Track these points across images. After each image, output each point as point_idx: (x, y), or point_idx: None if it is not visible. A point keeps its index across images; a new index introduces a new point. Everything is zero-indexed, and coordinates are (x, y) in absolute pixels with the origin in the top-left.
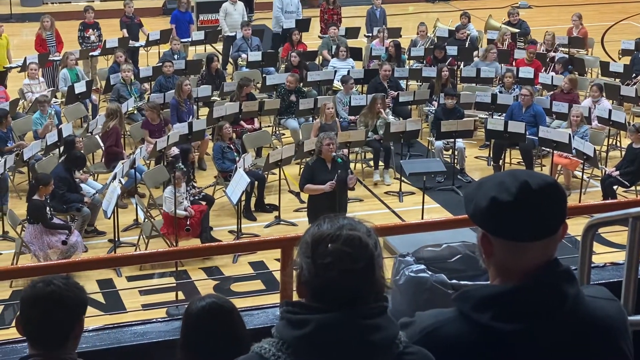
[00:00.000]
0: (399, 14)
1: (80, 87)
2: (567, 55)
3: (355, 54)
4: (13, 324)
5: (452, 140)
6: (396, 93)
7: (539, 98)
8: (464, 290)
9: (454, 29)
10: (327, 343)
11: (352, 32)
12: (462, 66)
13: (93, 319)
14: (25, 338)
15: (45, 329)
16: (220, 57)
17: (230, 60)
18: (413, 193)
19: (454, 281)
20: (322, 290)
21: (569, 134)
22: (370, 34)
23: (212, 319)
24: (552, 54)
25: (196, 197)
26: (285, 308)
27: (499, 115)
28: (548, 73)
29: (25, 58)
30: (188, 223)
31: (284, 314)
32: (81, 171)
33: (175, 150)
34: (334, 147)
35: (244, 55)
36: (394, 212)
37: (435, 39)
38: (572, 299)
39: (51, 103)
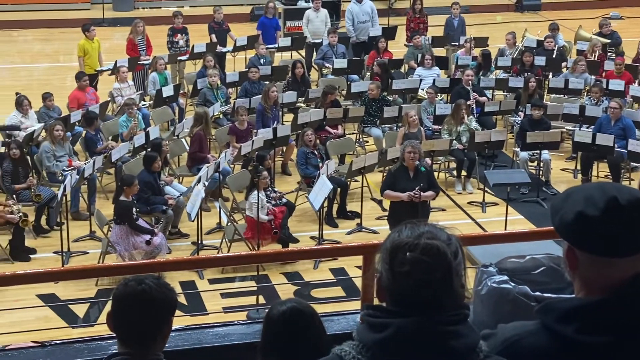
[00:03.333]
0: (486, 23)
1: (168, 91)
2: None
3: (441, 62)
4: (99, 321)
5: (538, 151)
6: (481, 98)
7: (629, 111)
8: (548, 302)
9: (542, 39)
10: (406, 347)
11: (439, 41)
12: (550, 77)
13: (175, 320)
14: (114, 335)
15: (135, 327)
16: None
17: (314, 66)
18: (496, 204)
19: (537, 293)
20: (401, 296)
21: None
22: (457, 44)
23: (293, 324)
24: None
25: (277, 202)
26: (366, 312)
27: (587, 128)
28: (639, 85)
29: (116, 62)
30: (273, 226)
31: (364, 317)
32: (166, 174)
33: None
34: (416, 155)
35: (327, 64)
36: (476, 222)
37: (523, 48)
38: None
39: (139, 106)
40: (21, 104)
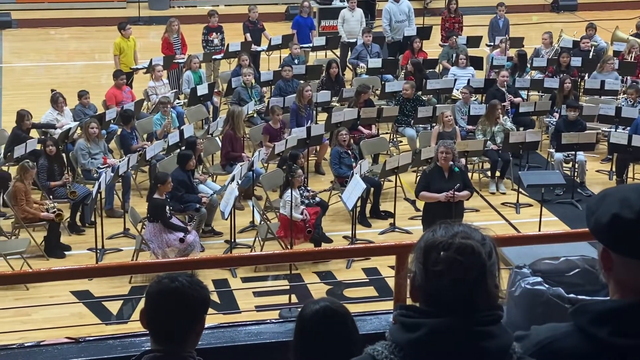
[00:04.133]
0: (522, 23)
1: (202, 90)
2: None
3: (476, 62)
4: (132, 318)
5: (573, 152)
6: (515, 98)
7: None
8: (582, 304)
9: (578, 39)
10: (439, 347)
11: (474, 41)
12: (586, 77)
13: (208, 318)
14: (147, 332)
15: (167, 324)
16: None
17: (349, 66)
18: (530, 205)
19: (571, 295)
20: (434, 296)
21: None
22: (492, 44)
23: (326, 323)
24: None
25: (310, 201)
26: (399, 311)
27: (623, 129)
28: None
29: (151, 60)
30: (307, 225)
31: (397, 317)
32: (200, 172)
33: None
34: (449, 156)
35: (362, 64)
36: (510, 223)
37: (559, 49)
38: None
39: (174, 104)
40: (56, 101)
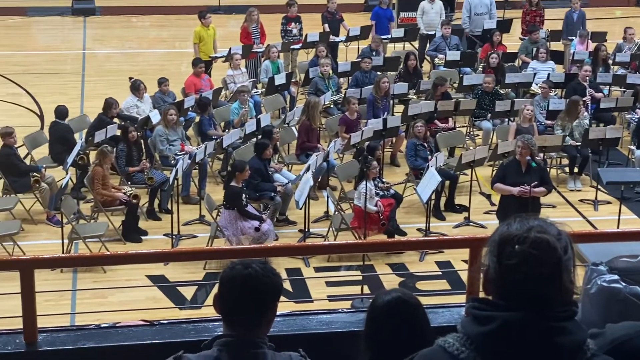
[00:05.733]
0: (604, 17)
1: (280, 79)
2: None
3: (556, 56)
4: (205, 303)
5: None
6: (597, 94)
7: None
8: None
9: None
10: (511, 341)
11: (555, 35)
12: None
13: (280, 305)
14: (220, 317)
15: (240, 310)
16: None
17: (427, 58)
18: (609, 202)
19: None
20: (507, 289)
21: None
22: (573, 38)
23: (397, 314)
24: None
25: (385, 193)
26: (472, 304)
27: None
28: None
29: (230, 49)
30: (381, 217)
31: (470, 310)
32: (276, 161)
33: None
34: (526, 151)
35: (440, 55)
36: (588, 220)
37: None
38: None
39: (252, 93)
40: (137, 88)
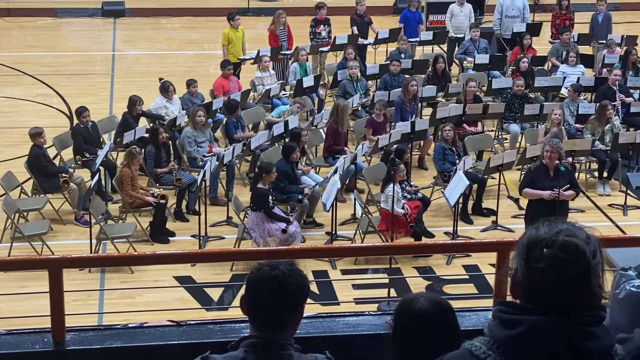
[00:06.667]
0: (636, 21)
1: (308, 82)
2: None
3: (587, 60)
4: (232, 304)
5: None
6: (627, 98)
7: None
8: None
9: None
10: (538, 345)
11: (585, 39)
12: None
13: (307, 307)
14: (247, 318)
15: (267, 311)
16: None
17: (456, 61)
18: (639, 207)
19: None
20: (535, 293)
21: None
22: (604, 42)
23: (435, 319)
24: None
25: (412, 196)
26: (499, 307)
27: None
28: None
29: (259, 51)
30: (409, 220)
31: (497, 313)
32: (304, 163)
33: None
34: (555, 155)
35: (469, 59)
36: (617, 225)
37: None
38: None
39: (280, 96)
40: (167, 89)
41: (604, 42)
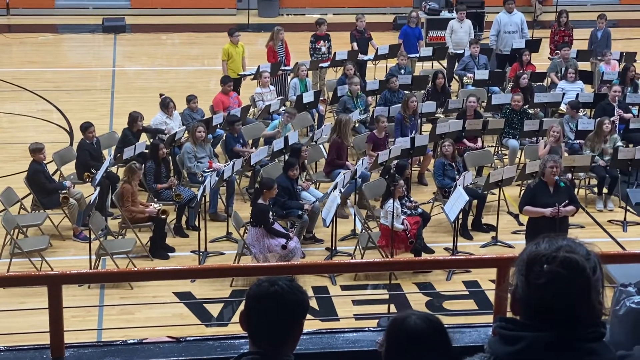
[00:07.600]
0: (635, 38)
1: (308, 97)
2: None
3: (585, 77)
4: (232, 320)
5: None
6: (626, 114)
7: None
8: None
9: None
10: None
11: (583, 55)
12: None
13: (306, 323)
14: (246, 334)
15: (266, 327)
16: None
17: (455, 77)
18: (638, 224)
19: None
20: (535, 309)
21: None
22: (600, 57)
23: (426, 338)
24: None
25: (412, 212)
26: (499, 324)
27: None
28: None
29: (259, 66)
30: (409, 235)
31: (497, 329)
32: (304, 179)
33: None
34: (558, 170)
35: (469, 74)
36: (616, 241)
37: None
38: None
39: (280, 111)
40: (167, 105)
41: (601, 58)
